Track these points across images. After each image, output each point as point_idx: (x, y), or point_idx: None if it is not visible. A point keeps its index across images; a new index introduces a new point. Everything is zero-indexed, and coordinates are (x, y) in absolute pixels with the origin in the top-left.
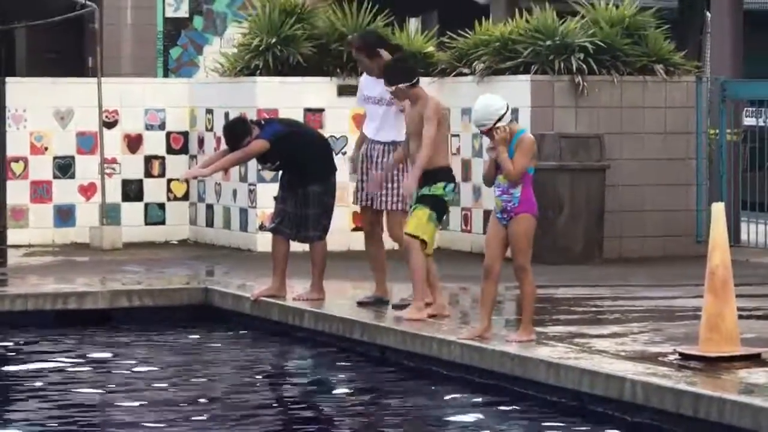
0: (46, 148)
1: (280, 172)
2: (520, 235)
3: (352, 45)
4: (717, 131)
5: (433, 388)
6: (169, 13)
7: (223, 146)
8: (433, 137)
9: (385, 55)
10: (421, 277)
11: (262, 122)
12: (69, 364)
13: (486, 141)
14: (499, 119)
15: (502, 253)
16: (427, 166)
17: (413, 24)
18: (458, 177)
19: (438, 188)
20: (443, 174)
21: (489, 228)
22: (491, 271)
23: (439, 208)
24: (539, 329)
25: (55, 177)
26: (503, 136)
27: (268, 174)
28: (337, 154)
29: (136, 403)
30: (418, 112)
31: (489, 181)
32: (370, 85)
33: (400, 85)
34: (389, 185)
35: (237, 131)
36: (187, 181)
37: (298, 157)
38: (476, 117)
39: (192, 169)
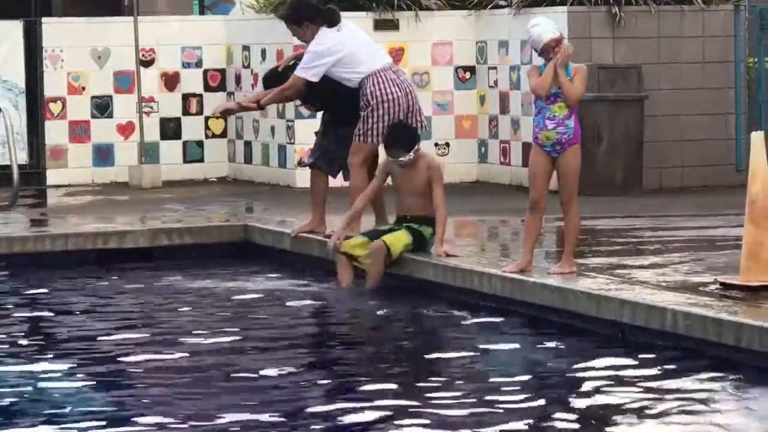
0: (83, 88)
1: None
2: (571, 168)
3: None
4: (755, 60)
5: (472, 321)
6: None
7: (258, 88)
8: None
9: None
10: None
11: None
12: (112, 302)
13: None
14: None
15: (548, 186)
16: (422, 212)
17: None
18: (496, 109)
19: (427, 231)
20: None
21: (534, 162)
22: (538, 206)
23: (417, 243)
24: (580, 261)
25: (93, 117)
26: (570, 54)
27: (305, 110)
28: None
29: (179, 340)
30: (420, 173)
31: (544, 90)
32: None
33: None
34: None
35: (279, 77)
36: (223, 117)
37: (335, 95)
38: (542, 30)
39: (225, 102)
